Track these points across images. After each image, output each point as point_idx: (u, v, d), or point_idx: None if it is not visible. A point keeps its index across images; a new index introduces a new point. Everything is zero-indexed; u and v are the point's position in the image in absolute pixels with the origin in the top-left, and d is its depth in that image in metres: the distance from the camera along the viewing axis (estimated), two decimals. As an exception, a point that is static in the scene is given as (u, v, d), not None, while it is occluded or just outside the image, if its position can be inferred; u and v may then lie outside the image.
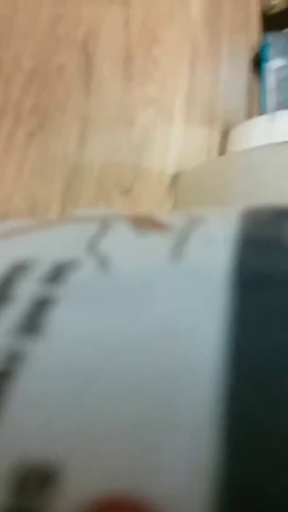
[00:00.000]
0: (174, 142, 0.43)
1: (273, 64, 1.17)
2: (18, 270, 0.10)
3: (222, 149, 0.64)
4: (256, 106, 1.16)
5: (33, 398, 0.07)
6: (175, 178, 0.44)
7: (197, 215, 0.11)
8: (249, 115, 0.97)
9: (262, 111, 1.23)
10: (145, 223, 0.11)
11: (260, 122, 0.64)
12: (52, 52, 0.23)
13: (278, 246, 0.10)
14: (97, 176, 0.28)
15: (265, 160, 0.39)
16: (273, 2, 1.39)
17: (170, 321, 0.08)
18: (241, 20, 0.96)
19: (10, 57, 0.20)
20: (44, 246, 0.11)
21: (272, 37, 1.21)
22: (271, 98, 1.19)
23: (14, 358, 0.08)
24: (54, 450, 0.07)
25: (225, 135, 0.70)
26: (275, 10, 1.41)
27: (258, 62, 1.24)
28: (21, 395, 0.07)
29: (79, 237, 0.11)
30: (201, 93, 0.54)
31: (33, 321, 0.09)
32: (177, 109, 0.45)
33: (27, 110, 0.21)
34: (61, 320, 0.09)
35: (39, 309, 0.09)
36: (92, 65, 0.28)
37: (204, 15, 0.56)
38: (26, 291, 0.09)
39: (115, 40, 0.31)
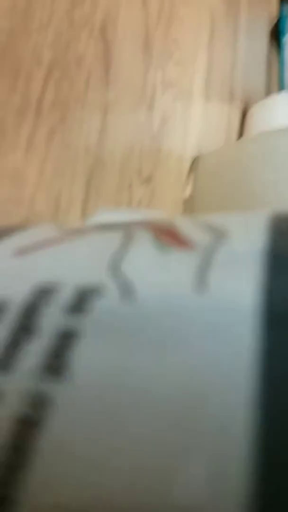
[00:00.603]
0: (193, 123, 0.42)
1: (291, 36, 1.13)
2: (41, 295, 0.09)
3: (242, 127, 0.62)
4: (276, 80, 1.13)
5: (61, 448, 0.07)
6: (195, 162, 0.43)
7: (220, 227, 0.11)
8: (269, 89, 0.94)
9: (281, 84, 1.19)
10: (167, 237, 0.11)
11: (278, 100, 0.62)
12: (71, 41, 0.22)
13: None
14: (119, 167, 0.27)
15: (285, 143, 0.37)
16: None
17: (198, 362, 0.08)
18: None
19: (29, 52, 0.19)
20: (67, 265, 0.10)
21: (290, 8, 1.17)
22: (289, 72, 1.16)
23: (40, 404, 0.07)
24: (85, 499, 0.06)
25: (245, 111, 0.68)
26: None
27: (276, 35, 1.20)
28: (49, 445, 0.07)
29: (102, 254, 0.10)
30: (220, 70, 0.52)
31: (58, 360, 0.08)
32: (196, 89, 0.43)
33: (48, 106, 0.20)
34: (86, 358, 0.08)
35: (63, 345, 0.08)
36: (111, 51, 0.26)
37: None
38: (49, 322, 0.09)
39: (134, 23, 0.30)
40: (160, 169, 0.34)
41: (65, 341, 0.08)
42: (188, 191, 0.40)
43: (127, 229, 0.12)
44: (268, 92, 0.98)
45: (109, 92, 0.26)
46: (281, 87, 1.14)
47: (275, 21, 1.18)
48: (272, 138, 0.40)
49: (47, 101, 0.20)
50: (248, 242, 0.10)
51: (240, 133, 0.61)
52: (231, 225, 0.11)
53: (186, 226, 0.11)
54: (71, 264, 0.11)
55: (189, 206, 0.41)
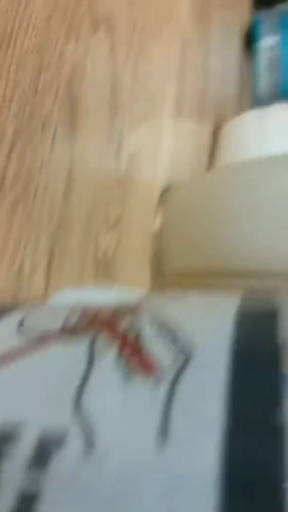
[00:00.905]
0: (163, 155, 0.42)
1: (264, 42, 1.14)
2: (1, 444, 0.09)
3: (214, 148, 0.62)
4: (249, 91, 1.14)
5: None
6: (165, 193, 0.43)
7: (185, 342, 0.11)
8: (241, 102, 0.95)
9: (254, 93, 1.20)
10: (132, 359, 0.11)
11: (248, 119, 0.63)
12: (36, 106, 0.22)
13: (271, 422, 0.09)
14: (84, 221, 0.27)
15: (259, 177, 0.38)
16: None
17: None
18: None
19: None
20: (28, 402, 0.10)
21: (263, 14, 1.18)
22: (263, 79, 1.17)
23: None
24: None
25: (217, 129, 0.68)
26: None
27: (249, 42, 1.20)
28: None
29: (65, 388, 0.10)
30: (191, 93, 0.52)
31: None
32: (166, 120, 0.43)
33: (11, 180, 0.20)
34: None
35: (24, 509, 0.08)
36: (78, 105, 0.26)
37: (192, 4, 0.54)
38: (10, 479, 0.09)
39: (101, 69, 0.30)
40: (128, 209, 0.35)
41: (26, 504, 0.09)
42: (157, 224, 0.41)
43: (91, 342, 0.12)
44: (241, 101, 0.99)
45: (75, 148, 0.26)
46: (253, 95, 1.15)
47: (247, 27, 1.19)
48: (246, 169, 0.41)
49: (10, 175, 0.20)
50: (211, 369, 0.10)
51: (212, 154, 0.62)
52: (196, 336, 0.11)
53: (152, 338, 0.11)
54: (33, 400, 0.11)
55: (159, 239, 0.41)
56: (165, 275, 0.40)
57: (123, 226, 0.34)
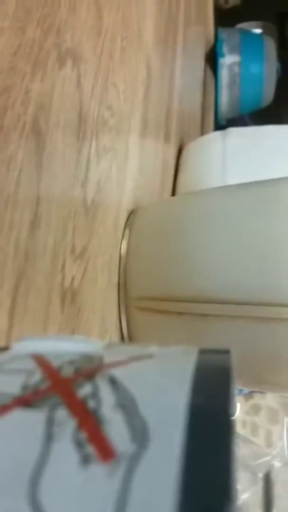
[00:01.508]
0: (129, 180, 0.42)
1: (227, 59, 1.16)
2: None
3: (177, 169, 0.63)
4: (212, 104, 1.15)
5: None
6: (131, 216, 0.43)
7: (143, 426, 0.11)
8: (206, 119, 0.96)
9: (216, 108, 1.22)
10: (91, 440, 0.11)
11: (212, 140, 0.63)
12: (1, 146, 0.22)
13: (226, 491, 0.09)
14: (51, 253, 0.27)
15: (219, 206, 0.38)
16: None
17: None
18: (197, 14, 0.93)
19: None
20: None
21: (225, 32, 1.20)
22: (224, 95, 1.19)
23: None
24: None
25: (181, 148, 0.69)
26: (230, 5, 1.39)
27: (213, 58, 1.22)
28: None
29: (20, 470, 0.10)
30: (157, 114, 0.52)
31: None
32: (132, 143, 0.43)
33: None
34: None
35: None
36: (44, 140, 0.26)
37: (156, 20, 0.54)
38: None
39: (68, 102, 0.30)
40: (95, 237, 0.34)
41: None
42: (124, 247, 0.41)
43: (49, 414, 0.11)
44: (206, 119, 1.00)
45: (41, 183, 0.26)
46: (216, 109, 1.17)
47: (211, 44, 1.20)
48: (208, 197, 0.41)
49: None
50: (164, 463, 0.10)
51: (176, 175, 0.62)
52: (151, 417, 0.11)
53: (110, 414, 0.11)
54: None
55: (125, 262, 0.41)
56: (130, 299, 0.40)
57: (90, 254, 0.33)
